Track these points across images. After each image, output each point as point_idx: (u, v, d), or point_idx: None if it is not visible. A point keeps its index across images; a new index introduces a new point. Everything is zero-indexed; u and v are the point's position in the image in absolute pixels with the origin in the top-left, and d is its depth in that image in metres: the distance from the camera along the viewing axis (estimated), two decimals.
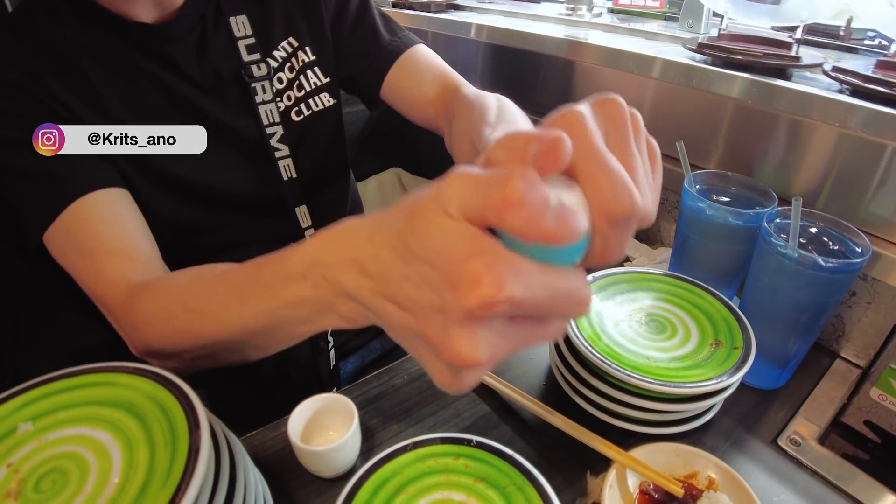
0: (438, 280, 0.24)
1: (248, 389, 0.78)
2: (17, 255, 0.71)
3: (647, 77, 0.88)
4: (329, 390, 0.56)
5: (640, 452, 0.53)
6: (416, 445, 0.52)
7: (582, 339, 0.55)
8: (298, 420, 0.52)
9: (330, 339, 0.78)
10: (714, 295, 0.63)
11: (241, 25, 0.63)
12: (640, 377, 0.52)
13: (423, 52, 0.72)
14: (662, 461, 0.53)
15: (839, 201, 0.71)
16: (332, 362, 0.80)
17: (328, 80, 0.71)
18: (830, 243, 0.60)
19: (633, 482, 0.52)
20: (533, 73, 1.10)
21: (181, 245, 0.62)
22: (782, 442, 0.60)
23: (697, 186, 0.69)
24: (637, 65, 0.89)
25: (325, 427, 0.55)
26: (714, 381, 0.52)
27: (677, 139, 0.70)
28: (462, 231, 0.24)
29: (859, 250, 0.58)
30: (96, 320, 0.80)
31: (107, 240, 0.54)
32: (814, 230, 0.62)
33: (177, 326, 0.48)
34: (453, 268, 0.23)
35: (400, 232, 0.26)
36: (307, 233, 0.72)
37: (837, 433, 0.77)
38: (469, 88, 0.65)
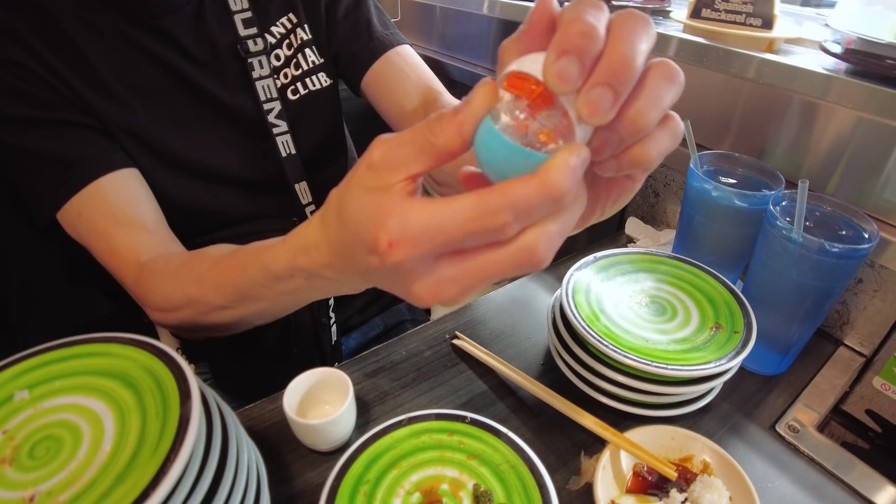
0: (364, 249, 0.28)
1: (250, 364, 0.78)
2: (26, 229, 0.72)
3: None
4: (330, 366, 0.56)
5: (635, 434, 0.53)
6: (410, 421, 0.52)
7: (580, 320, 0.55)
8: (294, 394, 0.52)
9: (332, 315, 0.78)
10: (717, 278, 0.62)
11: None
12: (638, 359, 0.51)
13: (411, 52, 0.72)
14: (657, 444, 0.53)
15: (850, 186, 0.70)
16: (334, 338, 0.81)
17: (323, 60, 0.70)
18: (838, 228, 0.59)
19: (626, 464, 0.52)
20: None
21: (186, 223, 0.63)
22: (780, 428, 0.59)
23: (704, 167, 0.68)
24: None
25: (321, 401, 0.55)
26: (712, 365, 0.51)
27: (684, 119, 0.68)
28: (370, 199, 0.27)
29: (867, 236, 0.57)
30: (103, 293, 0.82)
31: (118, 220, 0.57)
32: (821, 214, 0.61)
33: (178, 306, 0.53)
34: (366, 236, 0.28)
35: (337, 212, 0.31)
36: (308, 209, 0.71)
37: (838, 421, 0.76)
38: (450, 97, 0.67)
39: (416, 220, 0.26)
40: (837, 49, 0.68)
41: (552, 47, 0.23)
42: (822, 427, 0.63)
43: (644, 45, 0.24)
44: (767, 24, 0.74)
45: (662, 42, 0.83)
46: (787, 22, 0.79)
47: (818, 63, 0.70)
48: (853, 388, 0.72)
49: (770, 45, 0.75)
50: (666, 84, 0.25)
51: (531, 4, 1.03)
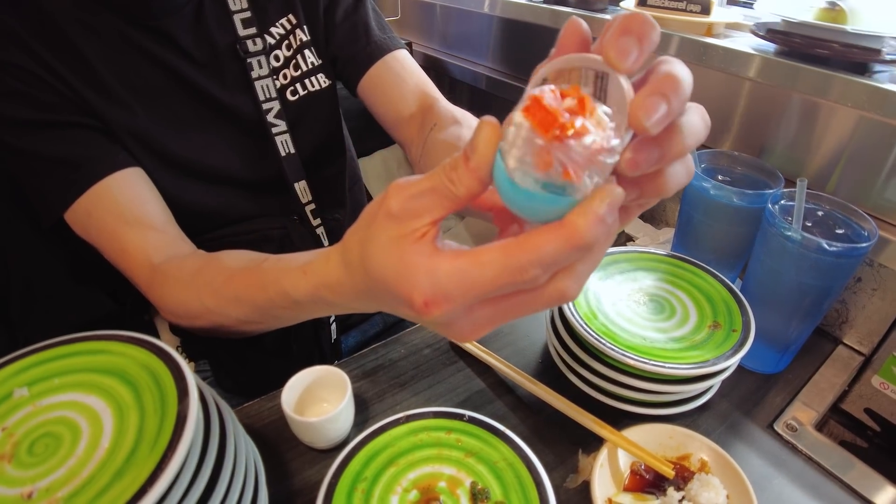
0: (397, 302, 0.29)
1: (249, 362, 0.78)
2: (28, 229, 0.72)
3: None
4: (330, 364, 0.56)
5: (633, 433, 0.53)
6: (408, 419, 0.52)
7: (578, 318, 0.55)
8: (292, 391, 0.53)
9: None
10: (715, 276, 0.62)
11: None
12: (635, 357, 0.51)
13: (408, 57, 0.72)
14: (655, 442, 0.53)
15: (850, 185, 0.70)
16: (334, 336, 0.81)
17: (321, 61, 0.70)
18: (836, 227, 0.59)
19: (624, 462, 0.52)
20: (545, 49, 1.07)
21: (188, 223, 0.63)
22: (778, 427, 0.59)
23: (703, 165, 0.68)
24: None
25: (320, 399, 0.55)
26: (709, 364, 0.52)
27: None
28: (396, 253, 0.27)
29: (865, 234, 0.57)
30: (104, 292, 0.82)
31: (127, 220, 0.57)
32: (820, 213, 0.61)
33: (196, 315, 0.54)
34: (399, 293, 0.28)
35: (361, 263, 0.31)
36: (307, 208, 0.71)
37: (837, 420, 0.76)
38: (446, 103, 0.67)
39: (447, 278, 0.26)
40: (763, 31, 0.74)
41: (614, 29, 0.23)
42: (820, 426, 0.63)
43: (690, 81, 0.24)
44: (706, 9, 0.81)
45: (666, 39, 0.85)
46: (728, 9, 0.88)
47: (750, 45, 0.76)
48: (852, 386, 0.72)
49: (709, 30, 0.81)
50: (702, 123, 0.26)
51: (530, 3, 1.03)
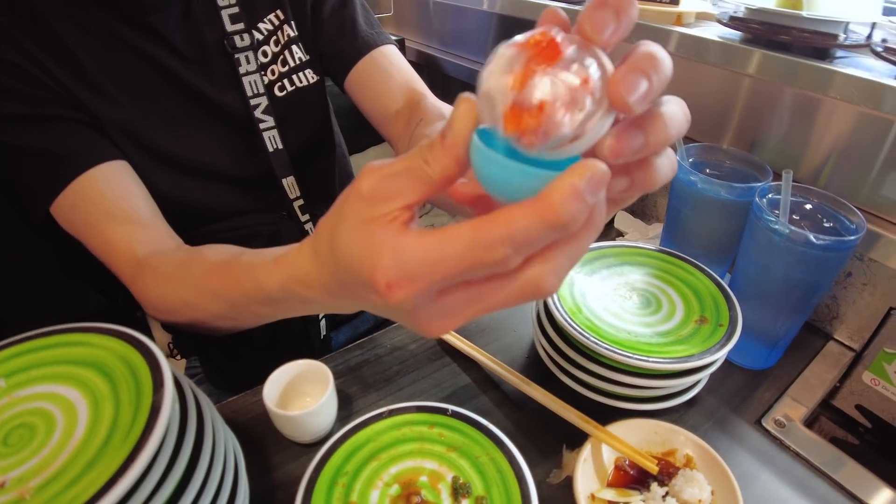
0: (363, 288, 0.27)
1: (239, 359, 0.78)
2: (18, 225, 0.73)
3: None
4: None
5: (618, 428, 0.53)
6: (391, 413, 0.52)
7: (563, 312, 0.55)
8: (275, 385, 0.52)
9: None
10: (703, 271, 0.62)
11: None
12: (620, 351, 0.51)
13: (396, 53, 0.72)
14: (640, 437, 0.53)
15: (842, 180, 0.69)
16: (323, 332, 0.81)
17: (309, 57, 0.70)
18: (825, 220, 0.59)
19: (608, 457, 0.52)
20: None
21: (177, 218, 0.63)
22: (766, 423, 0.59)
23: (691, 159, 0.67)
24: (654, 38, 0.86)
25: (303, 393, 0.55)
26: (694, 359, 0.51)
27: None
28: (362, 234, 0.26)
29: (854, 228, 0.57)
30: (95, 288, 0.82)
31: (113, 214, 0.57)
32: (809, 207, 0.60)
33: (174, 310, 0.54)
34: (363, 275, 0.26)
35: (329, 248, 0.29)
36: (296, 203, 0.71)
37: (828, 417, 0.76)
38: (434, 99, 0.67)
39: (410, 257, 0.24)
40: (726, 19, 0.77)
41: (590, 3, 0.22)
42: (810, 422, 0.63)
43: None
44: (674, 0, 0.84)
45: (665, 35, 0.87)
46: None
47: (717, 34, 0.78)
48: (843, 383, 0.72)
49: (679, 19, 0.84)
50: (682, 114, 0.25)
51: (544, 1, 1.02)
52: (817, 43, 0.68)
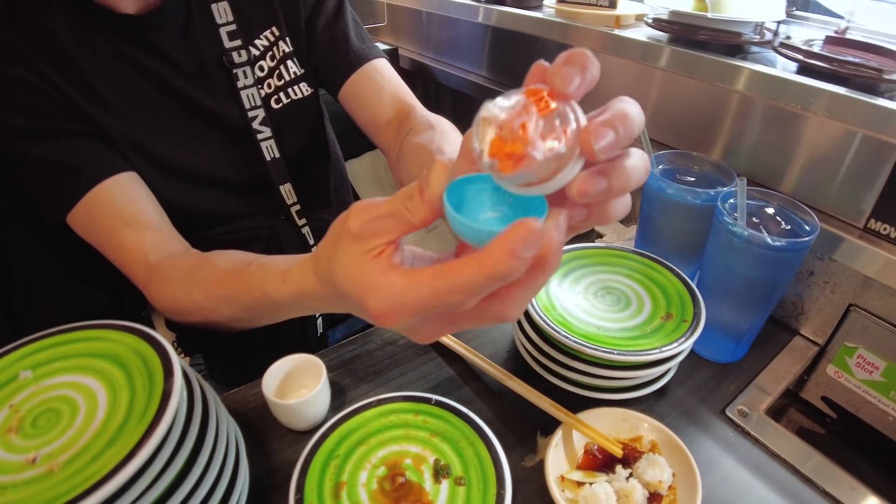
0: (361, 311, 0.32)
1: (240, 355, 0.83)
2: (31, 231, 0.77)
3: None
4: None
5: (589, 416, 0.57)
6: (379, 402, 0.57)
7: (537, 309, 0.59)
8: (273, 377, 0.57)
9: None
10: (672, 271, 0.66)
11: (222, 12, 0.66)
12: (588, 345, 0.56)
13: (386, 66, 0.77)
14: (609, 425, 0.57)
15: (808, 184, 0.73)
16: (320, 330, 0.85)
17: (304, 71, 0.74)
18: (783, 223, 0.63)
19: (578, 443, 0.56)
20: (528, 56, 1.11)
21: (183, 223, 0.67)
22: (730, 412, 0.63)
23: (661, 167, 0.72)
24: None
25: (299, 385, 0.60)
26: (656, 351, 0.56)
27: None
28: (356, 269, 0.31)
29: (808, 229, 0.61)
30: (104, 290, 0.87)
31: (125, 220, 0.61)
32: (770, 210, 0.65)
33: (189, 311, 0.59)
34: (360, 305, 0.31)
35: (329, 276, 0.34)
36: (293, 208, 0.76)
37: (796, 408, 0.80)
38: (423, 110, 0.71)
39: (393, 295, 0.29)
40: (651, 20, 0.85)
41: (558, 61, 0.26)
42: (776, 412, 0.67)
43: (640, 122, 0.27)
44: (612, 4, 0.93)
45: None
46: (634, 3, 1.00)
47: (647, 35, 0.86)
48: (810, 375, 0.76)
49: (617, 22, 0.92)
50: (643, 168, 0.29)
51: (513, 10, 1.06)
52: (726, 40, 0.76)
